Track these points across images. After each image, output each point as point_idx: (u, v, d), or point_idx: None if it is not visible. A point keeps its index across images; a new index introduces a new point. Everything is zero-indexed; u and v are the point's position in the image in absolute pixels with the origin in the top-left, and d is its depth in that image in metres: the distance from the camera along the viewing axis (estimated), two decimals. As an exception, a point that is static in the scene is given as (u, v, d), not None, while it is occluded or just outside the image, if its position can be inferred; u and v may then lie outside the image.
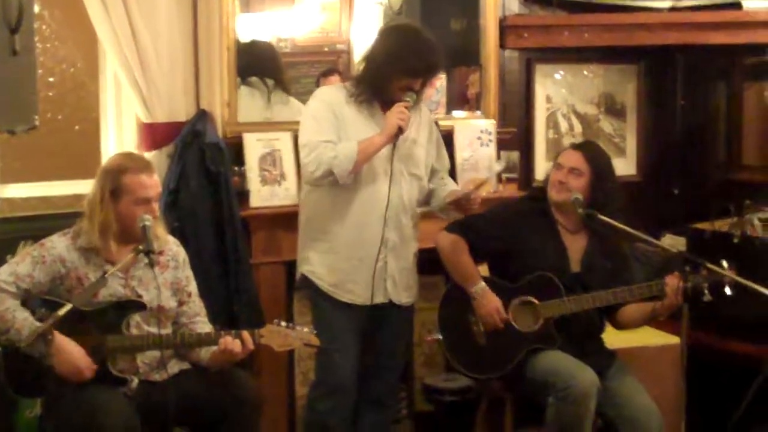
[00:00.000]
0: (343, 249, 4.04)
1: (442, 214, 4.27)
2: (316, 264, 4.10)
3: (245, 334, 3.62)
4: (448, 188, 4.24)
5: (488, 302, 4.10)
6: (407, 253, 4.16)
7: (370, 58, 4.08)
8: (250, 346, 3.60)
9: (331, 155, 3.89)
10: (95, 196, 3.65)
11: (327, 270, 4.07)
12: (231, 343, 3.58)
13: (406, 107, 3.93)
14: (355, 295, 4.05)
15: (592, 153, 4.23)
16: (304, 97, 4.72)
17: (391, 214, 4.01)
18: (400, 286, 4.13)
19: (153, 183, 3.70)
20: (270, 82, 5.03)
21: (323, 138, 3.94)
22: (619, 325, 4.24)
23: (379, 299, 4.08)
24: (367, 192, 4.00)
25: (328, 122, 3.99)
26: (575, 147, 4.27)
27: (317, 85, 5.37)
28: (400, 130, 3.90)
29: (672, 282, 3.93)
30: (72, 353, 3.51)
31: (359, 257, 4.02)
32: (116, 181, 3.62)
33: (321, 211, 4.09)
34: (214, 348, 3.64)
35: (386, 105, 4.00)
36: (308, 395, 4.21)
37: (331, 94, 4.10)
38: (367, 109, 4.05)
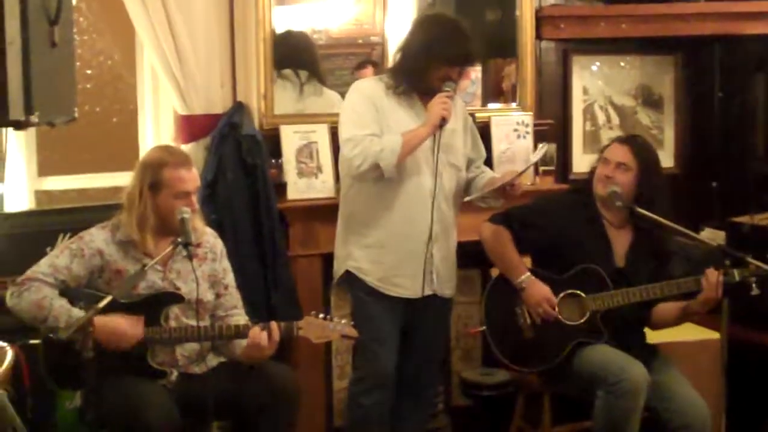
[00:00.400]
0: (391, 242, 4.01)
1: (482, 203, 4.21)
2: (361, 259, 4.07)
3: (273, 324, 3.61)
4: (487, 176, 4.21)
5: (537, 291, 4.07)
6: (450, 244, 4.15)
7: (406, 49, 4.06)
8: (276, 337, 3.60)
9: (377, 149, 3.86)
10: (134, 189, 3.66)
11: (373, 265, 4.04)
12: (258, 335, 3.58)
13: (448, 97, 3.91)
14: (403, 289, 4.03)
15: (640, 147, 4.19)
16: (338, 89, 4.71)
17: (435, 205, 3.99)
18: (443, 278, 4.11)
19: (192, 177, 3.71)
20: (304, 73, 5.01)
21: (367, 131, 3.92)
22: (654, 325, 4.22)
23: (426, 291, 4.06)
24: (412, 184, 3.98)
25: (370, 115, 3.97)
26: (622, 141, 4.23)
27: (353, 76, 5.35)
28: (444, 121, 3.88)
29: (712, 277, 3.90)
30: (115, 325, 3.51)
31: (407, 250, 4.00)
32: (156, 175, 3.63)
33: (365, 205, 4.06)
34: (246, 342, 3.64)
35: (425, 95, 3.99)
36: (350, 389, 4.19)
37: (370, 87, 4.09)
38: (407, 101, 4.03)
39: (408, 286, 4.02)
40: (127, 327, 3.53)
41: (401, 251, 4.00)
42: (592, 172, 4.24)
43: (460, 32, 3.98)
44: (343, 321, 3.67)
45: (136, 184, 3.66)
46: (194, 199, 3.71)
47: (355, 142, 3.90)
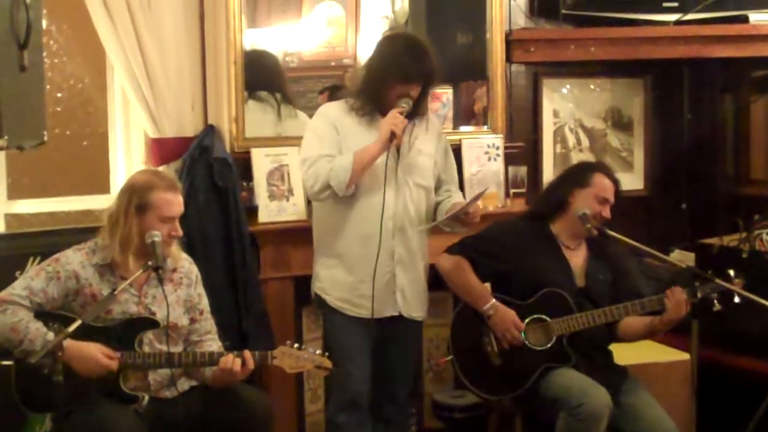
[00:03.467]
0: (351, 262, 4.02)
1: (447, 228, 4.20)
2: (325, 280, 4.09)
3: (247, 353, 3.60)
4: (452, 201, 4.20)
5: (504, 318, 4.07)
6: (417, 266, 4.13)
7: (366, 69, 4.09)
8: (251, 365, 3.59)
9: (327, 168, 3.88)
10: (118, 209, 3.64)
11: (335, 285, 4.06)
12: (231, 362, 3.56)
13: (400, 112, 3.89)
14: (364, 309, 4.01)
15: (617, 180, 4.25)
16: (309, 111, 4.71)
17: (397, 225, 4.00)
18: (411, 300, 4.10)
19: (179, 201, 3.72)
20: (278, 95, 5.02)
21: (323, 152, 3.94)
22: (619, 339, 4.24)
23: (389, 312, 4.06)
24: (370, 203, 3.97)
25: (329, 136, 3.99)
26: (611, 177, 4.23)
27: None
28: (393, 135, 3.86)
29: (675, 296, 3.93)
30: (89, 351, 3.48)
31: (368, 270, 3.98)
32: (144, 197, 3.62)
33: (327, 226, 4.09)
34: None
35: (386, 115, 3.97)
36: (327, 411, 4.19)
37: (333, 109, 4.10)
38: (369, 122, 4.03)
39: (368, 307, 3.99)
40: (100, 356, 3.50)
41: (361, 271, 3.99)
42: (563, 196, 4.22)
43: (417, 49, 3.99)
44: (317, 351, 3.66)
45: (121, 205, 3.64)
46: (177, 224, 3.70)
47: (309, 162, 3.93)
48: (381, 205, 3.94)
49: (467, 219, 4.07)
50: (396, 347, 4.15)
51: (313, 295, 4.17)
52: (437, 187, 4.23)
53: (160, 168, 4.44)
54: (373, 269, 3.95)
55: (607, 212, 4.15)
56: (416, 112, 4.06)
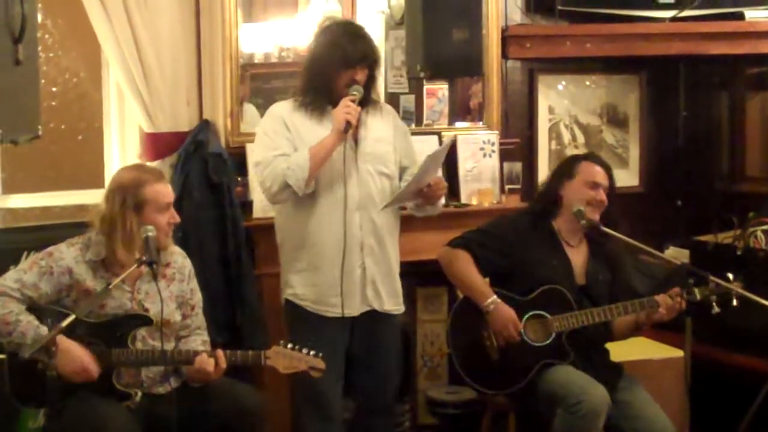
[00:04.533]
0: (323, 262, 3.91)
1: (418, 212, 4.15)
2: (297, 285, 3.99)
3: (220, 352, 3.59)
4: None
5: (503, 315, 4.06)
6: (388, 256, 4.04)
7: (308, 62, 4.02)
8: (223, 365, 3.58)
9: (283, 167, 3.79)
10: (113, 210, 3.61)
11: (308, 288, 3.95)
12: (205, 362, 3.55)
13: (351, 100, 3.83)
14: (339, 308, 3.92)
15: (608, 166, 4.25)
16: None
17: (364, 217, 3.94)
18: (384, 293, 4.01)
19: (169, 189, 3.74)
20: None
21: (277, 152, 3.86)
22: (614, 337, 4.25)
23: (362, 309, 3.97)
24: (333, 199, 3.89)
25: (281, 135, 3.91)
26: (601, 164, 4.24)
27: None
28: (348, 124, 3.79)
29: (671, 301, 3.96)
30: (77, 353, 3.48)
31: (339, 267, 3.89)
32: (137, 195, 3.60)
33: (292, 228, 4.00)
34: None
35: (337, 106, 3.89)
36: (299, 420, 4.14)
37: (282, 107, 4.01)
38: (320, 116, 3.94)
39: (345, 305, 3.91)
40: (88, 362, 3.50)
41: (334, 269, 3.89)
42: (554, 190, 4.24)
43: (353, 32, 3.97)
44: (311, 352, 3.62)
45: (115, 207, 3.61)
46: (173, 211, 3.71)
47: (265, 164, 3.85)
48: (351, 200, 3.88)
49: (431, 192, 3.99)
50: (373, 345, 4.05)
51: (283, 303, 4.06)
52: (400, 174, 4.13)
53: (155, 163, 4.44)
54: (346, 264, 3.89)
55: (601, 195, 4.13)
56: (368, 99, 3.99)
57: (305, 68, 4.03)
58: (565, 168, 4.29)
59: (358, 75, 3.90)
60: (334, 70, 3.89)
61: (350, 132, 3.84)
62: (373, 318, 4.01)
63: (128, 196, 3.60)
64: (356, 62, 3.89)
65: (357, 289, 3.95)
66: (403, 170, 4.14)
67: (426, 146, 4.95)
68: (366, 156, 3.97)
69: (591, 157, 4.34)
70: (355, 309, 3.96)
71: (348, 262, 3.90)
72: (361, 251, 3.93)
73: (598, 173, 4.18)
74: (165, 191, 3.68)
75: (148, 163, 4.37)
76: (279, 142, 3.89)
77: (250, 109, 4.93)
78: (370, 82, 3.99)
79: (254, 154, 3.98)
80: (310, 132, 3.90)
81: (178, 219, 3.73)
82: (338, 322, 3.95)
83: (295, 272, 3.99)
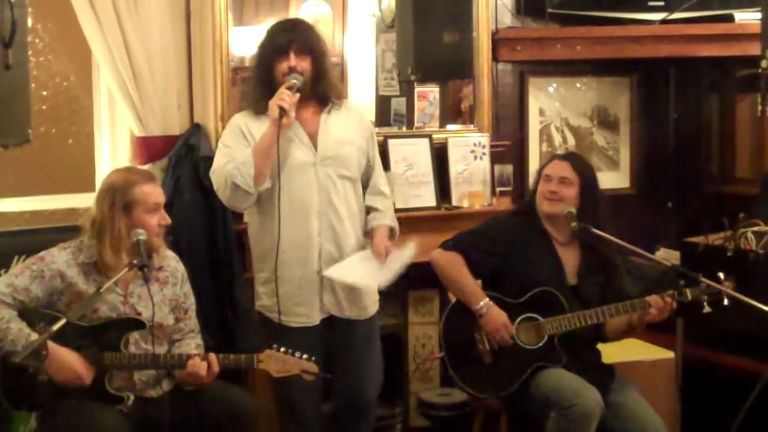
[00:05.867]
0: (283, 271, 3.84)
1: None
2: (264, 296, 3.95)
3: (212, 357, 3.58)
4: (374, 224, 4.00)
5: (495, 318, 4.06)
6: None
7: (252, 63, 4.03)
8: (216, 368, 3.57)
9: (229, 168, 3.74)
10: (102, 213, 3.60)
11: (273, 299, 3.87)
12: (197, 365, 3.55)
13: (288, 87, 3.74)
14: (303, 317, 3.88)
15: (579, 162, 4.26)
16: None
17: (324, 223, 3.85)
18: (344, 300, 3.92)
19: (159, 190, 3.73)
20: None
21: (229, 160, 3.81)
22: (606, 338, 4.25)
23: (320, 316, 3.90)
24: (293, 205, 3.83)
25: (239, 143, 3.84)
26: (561, 157, 4.27)
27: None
28: (282, 110, 3.68)
29: (662, 302, 3.96)
30: (69, 360, 3.48)
31: (300, 275, 3.85)
32: (126, 196, 3.60)
33: (255, 239, 3.98)
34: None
35: None
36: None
37: (239, 116, 3.95)
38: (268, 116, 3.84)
39: (306, 313, 3.88)
40: (81, 368, 3.49)
41: (294, 278, 3.85)
42: (533, 192, 4.27)
43: (287, 22, 4.00)
44: (304, 356, 3.61)
45: (105, 209, 3.60)
46: (164, 212, 3.70)
47: (218, 173, 3.80)
48: (310, 206, 3.84)
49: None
50: (347, 353, 3.99)
51: (256, 316, 4.03)
52: (364, 182, 4.05)
53: (146, 166, 4.43)
54: (306, 273, 3.85)
55: (551, 186, 4.13)
56: (325, 97, 3.94)
57: (251, 69, 4.03)
58: (538, 171, 4.32)
59: (292, 61, 3.83)
60: (270, 61, 3.85)
61: (285, 120, 3.70)
62: (336, 325, 3.95)
63: (117, 197, 3.60)
64: (287, 47, 3.83)
65: (315, 296, 3.89)
66: (367, 177, 4.06)
67: (417, 148, 5.00)
68: (326, 160, 3.88)
69: (558, 155, 4.37)
70: (315, 317, 3.90)
71: (309, 272, 3.85)
72: (319, 258, 3.87)
73: (553, 166, 4.20)
74: (155, 192, 3.67)
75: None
76: (236, 151, 3.81)
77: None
78: (321, 78, 3.91)
79: (214, 162, 3.90)
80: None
81: (168, 220, 3.72)
82: (306, 331, 3.89)
83: (261, 284, 3.96)
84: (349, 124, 4.00)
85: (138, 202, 3.61)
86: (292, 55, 3.82)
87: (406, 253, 3.94)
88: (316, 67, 3.89)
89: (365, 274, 3.88)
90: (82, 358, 3.51)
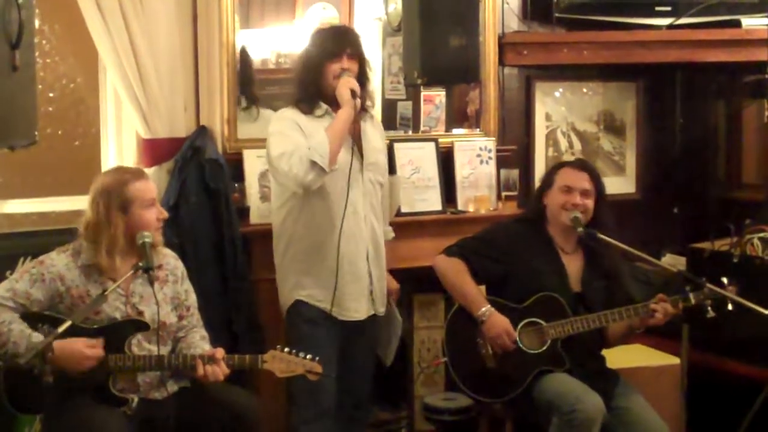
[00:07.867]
0: (341, 265, 3.97)
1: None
2: (313, 287, 4.02)
3: (220, 351, 3.59)
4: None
5: (497, 324, 4.05)
6: (382, 262, 4.16)
7: (299, 63, 4.12)
8: (225, 370, 3.58)
9: (305, 149, 3.81)
10: (98, 215, 3.61)
11: (325, 291, 3.99)
12: (215, 374, 3.55)
13: (348, 76, 3.92)
14: (353, 312, 4.03)
15: (594, 172, 4.25)
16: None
17: (368, 226, 4.05)
18: (379, 297, 4.14)
19: (152, 185, 3.76)
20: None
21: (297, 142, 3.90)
22: (608, 343, 4.24)
23: (368, 313, 4.09)
24: (342, 207, 3.95)
25: (296, 131, 3.92)
26: (578, 167, 4.24)
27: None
28: (354, 93, 3.88)
29: (662, 307, 3.96)
30: (74, 348, 3.46)
31: (353, 271, 4.01)
32: (122, 195, 3.61)
33: (307, 231, 4.01)
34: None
35: (336, 106, 3.94)
36: (293, 420, 4.14)
37: (290, 112, 4.03)
38: (320, 116, 3.99)
39: (357, 309, 4.05)
40: (85, 348, 3.49)
41: (348, 274, 4.00)
42: (539, 198, 4.26)
43: (338, 29, 4.13)
44: (308, 356, 3.63)
45: (100, 211, 3.61)
46: (160, 206, 3.74)
47: (288, 154, 3.85)
48: (358, 207, 4.00)
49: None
50: (361, 345, 4.16)
51: (292, 303, 4.06)
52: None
53: (152, 169, 4.43)
54: (359, 270, 4.01)
55: (575, 199, 4.12)
56: (364, 106, 4.06)
57: (297, 71, 4.11)
58: (547, 177, 4.31)
59: (345, 63, 3.96)
60: (323, 64, 3.96)
61: (356, 100, 3.88)
62: (369, 320, 4.11)
63: (113, 197, 3.61)
64: (340, 51, 3.96)
65: (365, 295, 4.06)
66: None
67: (423, 152, 5.00)
68: (370, 166, 4.06)
69: (570, 163, 4.36)
70: (363, 313, 4.07)
71: (359, 269, 4.02)
72: (366, 260, 4.04)
73: (571, 176, 4.18)
74: (147, 187, 3.70)
75: (146, 170, 4.36)
76: (296, 138, 3.90)
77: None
78: (364, 85, 4.04)
79: (272, 151, 3.94)
80: (316, 130, 3.90)
81: (165, 214, 3.75)
82: (344, 324, 4.03)
83: (308, 275, 4.02)
84: (376, 132, 4.19)
85: (134, 199, 3.62)
86: (345, 58, 3.96)
87: None
88: (362, 72, 4.04)
89: None
90: (83, 338, 3.50)
